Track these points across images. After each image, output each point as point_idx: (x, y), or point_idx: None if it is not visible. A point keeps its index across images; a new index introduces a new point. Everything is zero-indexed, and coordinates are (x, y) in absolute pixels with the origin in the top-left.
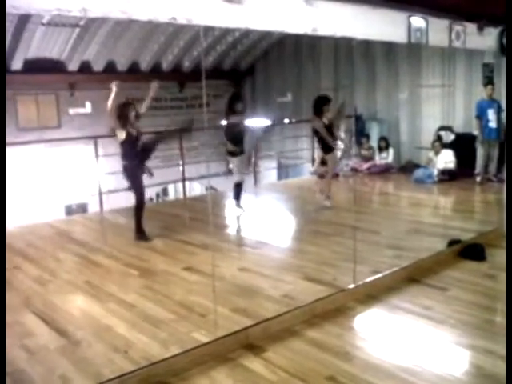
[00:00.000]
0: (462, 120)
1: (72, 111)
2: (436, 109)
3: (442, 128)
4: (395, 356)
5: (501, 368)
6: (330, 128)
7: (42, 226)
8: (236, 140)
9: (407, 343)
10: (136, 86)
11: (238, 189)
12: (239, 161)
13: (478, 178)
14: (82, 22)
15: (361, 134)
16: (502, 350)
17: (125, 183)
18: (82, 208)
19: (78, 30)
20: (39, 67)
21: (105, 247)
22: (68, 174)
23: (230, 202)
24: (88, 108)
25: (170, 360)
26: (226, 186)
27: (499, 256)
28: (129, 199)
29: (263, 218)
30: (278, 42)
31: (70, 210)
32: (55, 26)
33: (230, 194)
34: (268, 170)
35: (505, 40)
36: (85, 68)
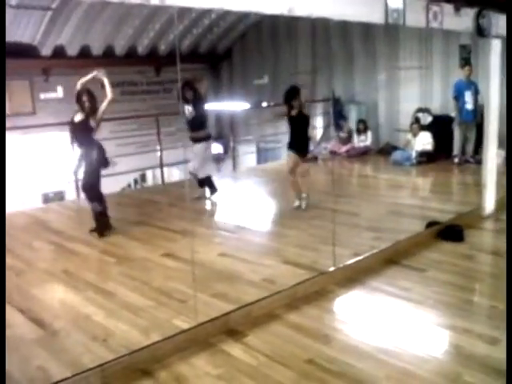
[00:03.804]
0: (440, 102)
1: (43, 96)
2: (414, 91)
3: (420, 110)
4: (375, 338)
5: (479, 347)
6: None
7: (19, 215)
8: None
9: (387, 325)
10: (111, 70)
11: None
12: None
13: (456, 160)
14: (54, 5)
15: (339, 117)
16: (481, 329)
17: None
18: (59, 196)
19: (50, 13)
20: (10, 52)
21: (82, 235)
22: (44, 161)
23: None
24: (60, 92)
25: (151, 347)
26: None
27: (477, 237)
28: (105, 186)
29: (242, 202)
30: (255, 24)
31: (47, 198)
32: (25, 9)
33: None
34: (247, 155)
35: (481, 21)
36: (59, 53)
